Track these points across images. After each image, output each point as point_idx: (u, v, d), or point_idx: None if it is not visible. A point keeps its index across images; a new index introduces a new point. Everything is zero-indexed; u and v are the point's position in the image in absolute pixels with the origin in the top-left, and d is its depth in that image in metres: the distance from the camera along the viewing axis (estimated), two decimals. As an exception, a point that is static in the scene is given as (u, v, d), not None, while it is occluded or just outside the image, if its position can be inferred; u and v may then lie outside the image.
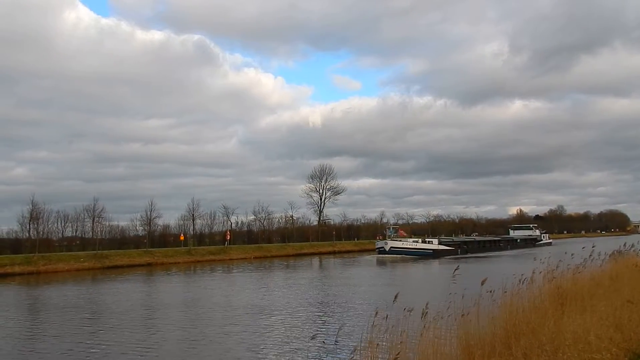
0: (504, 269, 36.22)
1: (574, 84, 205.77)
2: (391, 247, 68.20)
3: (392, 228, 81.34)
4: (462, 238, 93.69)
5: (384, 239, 73.64)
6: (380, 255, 66.87)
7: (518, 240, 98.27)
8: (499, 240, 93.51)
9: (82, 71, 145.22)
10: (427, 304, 8.65)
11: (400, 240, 71.42)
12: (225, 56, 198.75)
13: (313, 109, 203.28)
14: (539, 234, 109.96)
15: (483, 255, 68.27)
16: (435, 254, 67.92)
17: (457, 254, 70.99)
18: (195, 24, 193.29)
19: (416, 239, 74.43)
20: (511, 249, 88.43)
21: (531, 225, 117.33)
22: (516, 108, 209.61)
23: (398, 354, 7.18)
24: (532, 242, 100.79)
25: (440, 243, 73.71)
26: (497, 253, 76.09)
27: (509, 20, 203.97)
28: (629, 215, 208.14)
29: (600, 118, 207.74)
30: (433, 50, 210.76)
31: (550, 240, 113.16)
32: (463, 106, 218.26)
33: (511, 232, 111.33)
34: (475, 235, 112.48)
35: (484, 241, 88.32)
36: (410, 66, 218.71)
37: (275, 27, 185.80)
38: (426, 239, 76.00)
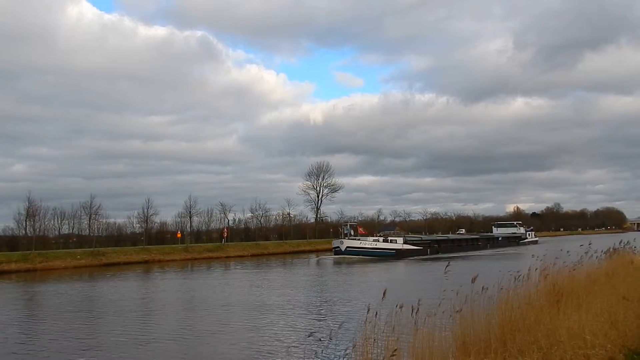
0: (466, 271, 34.93)
1: (578, 81, 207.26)
2: (347, 247, 61.94)
3: (350, 225, 73.88)
4: (433, 236, 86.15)
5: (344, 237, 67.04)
6: (337, 256, 61.10)
7: (500, 239, 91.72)
8: (477, 238, 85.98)
9: (85, 67, 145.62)
10: (419, 301, 8.65)
11: (359, 239, 64.98)
12: (228, 52, 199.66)
13: (314, 106, 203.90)
14: (524, 231, 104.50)
15: (456, 256, 60.43)
16: (398, 255, 61.47)
17: (427, 254, 64.43)
18: (199, 19, 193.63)
19: (377, 238, 67.79)
20: (491, 247, 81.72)
21: (515, 223, 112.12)
22: (518, 105, 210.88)
23: (395, 350, 7.18)
24: (515, 241, 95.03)
25: (406, 242, 66.88)
26: (473, 253, 68.99)
27: (515, 17, 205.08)
28: (625, 213, 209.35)
29: (603, 116, 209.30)
30: (437, 47, 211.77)
31: (537, 239, 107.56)
32: (465, 103, 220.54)
33: (494, 229, 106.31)
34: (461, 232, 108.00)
35: (459, 240, 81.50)
36: (413, 63, 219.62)
37: (280, 24, 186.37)
38: (389, 238, 69.19)
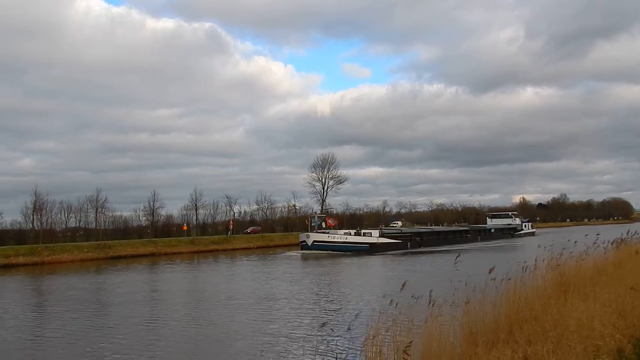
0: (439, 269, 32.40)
1: (588, 70, 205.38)
2: (314, 241, 56.85)
3: (318, 217, 67.70)
4: (415, 229, 79.76)
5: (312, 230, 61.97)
6: (304, 251, 55.81)
7: (492, 231, 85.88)
8: (466, 230, 79.99)
9: (93, 60, 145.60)
10: (430, 292, 8.68)
11: (327, 233, 59.67)
12: (236, 44, 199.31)
13: (322, 98, 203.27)
14: (520, 222, 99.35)
15: (440, 250, 56.18)
16: (372, 249, 55.89)
17: (407, 248, 59.26)
18: (207, 11, 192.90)
19: (348, 231, 62.64)
20: (482, 240, 75.94)
21: (510, 213, 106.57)
22: (528, 95, 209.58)
23: (411, 342, 7.21)
24: (509, 233, 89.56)
25: (383, 235, 60.87)
26: (461, 246, 60.73)
27: (526, 5, 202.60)
28: (632, 203, 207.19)
29: (612, 105, 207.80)
30: (446, 37, 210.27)
31: (534, 230, 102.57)
32: (474, 94, 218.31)
33: (488, 220, 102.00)
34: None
35: (446, 232, 75.79)
36: (422, 53, 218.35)
37: (288, 15, 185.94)
38: (362, 231, 63.87)
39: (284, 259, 51.29)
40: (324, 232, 60.19)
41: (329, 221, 67.49)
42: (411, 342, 7.06)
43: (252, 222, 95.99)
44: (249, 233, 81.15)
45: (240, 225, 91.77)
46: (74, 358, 14.22)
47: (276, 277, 33.85)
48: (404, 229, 74.41)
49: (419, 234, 68.77)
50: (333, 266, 41.54)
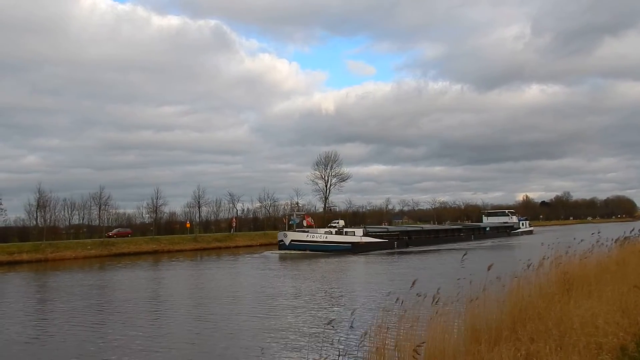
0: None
1: (595, 67, 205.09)
2: (292, 241, 54.12)
3: (296, 215, 64.36)
4: (402, 227, 76.63)
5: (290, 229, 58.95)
6: (282, 251, 53.37)
7: (487, 229, 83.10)
8: (458, 229, 77.02)
9: (97, 58, 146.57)
10: (438, 290, 8.70)
11: (306, 232, 56.98)
12: (241, 42, 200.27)
13: (326, 95, 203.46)
14: (517, 220, 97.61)
15: (429, 250, 54.61)
16: (355, 249, 53.36)
17: (393, 248, 57.20)
18: (212, 9, 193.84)
19: (329, 230, 59.36)
20: (476, 239, 73.52)
21: (507, 211, 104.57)
22: (533, 93, 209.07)
23: (423, 342, 7.21)
24: (505, 231, 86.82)
25: (367, 234, 58.21)
26: (453, 246, 59.49)
27: (533, 1, 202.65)
28: (636, 201, 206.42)
29: (618, 103, 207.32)
30: (452, 34, 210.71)
31: (532, 229, 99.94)
32: (479, 91, 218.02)
33: (484, 218, 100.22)
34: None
35: (437, 230, 72.99)
36: (427, 51, 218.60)
37: (293, 12, 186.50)
38: (343, 229, 60.41)
39: (259, 259, 48.38)
40: (302, 231, 57.47)
41: (307, 219, 64.00)
42: (423, 343, 7.06)
43: (255, 220, 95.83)
44: (111, 237, 67.22)
45: (244, 223, 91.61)
46: (78, 355, 14.26)
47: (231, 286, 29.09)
48: (391, 228, 71.17)
49: (407, 232, 65.89)
50: (307, 267, 38.99)
